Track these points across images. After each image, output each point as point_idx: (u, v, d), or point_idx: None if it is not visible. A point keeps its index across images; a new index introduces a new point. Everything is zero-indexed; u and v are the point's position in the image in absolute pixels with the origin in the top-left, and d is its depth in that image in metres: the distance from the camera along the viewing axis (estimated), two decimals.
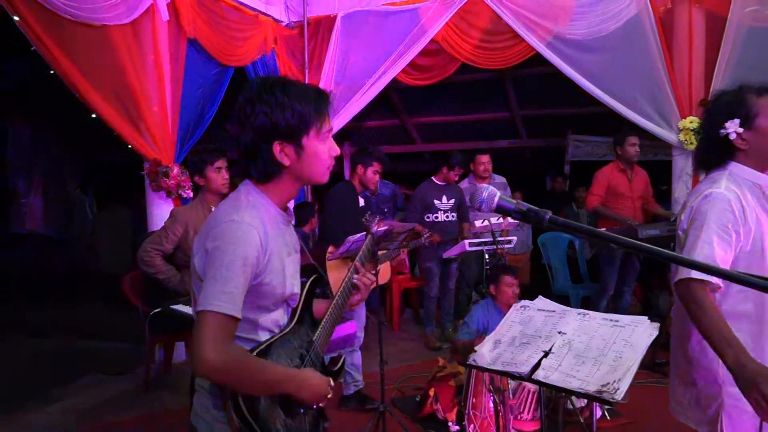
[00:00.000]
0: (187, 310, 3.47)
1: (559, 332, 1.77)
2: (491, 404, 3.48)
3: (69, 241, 10.51)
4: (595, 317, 1.78)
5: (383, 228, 3.24)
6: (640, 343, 1.61)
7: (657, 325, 1.66)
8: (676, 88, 5.30)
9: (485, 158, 5.83)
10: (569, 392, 1.58)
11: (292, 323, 1.64)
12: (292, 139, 1.51)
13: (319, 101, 1.54)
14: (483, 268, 5.12)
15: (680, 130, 5.35)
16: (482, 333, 3.94)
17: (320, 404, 1.64)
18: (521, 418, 3.62)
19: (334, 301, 1.78)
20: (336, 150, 1.60)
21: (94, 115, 4.52)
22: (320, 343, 1.72)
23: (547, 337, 1.77)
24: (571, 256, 6.56)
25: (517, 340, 1.83)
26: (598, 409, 3.66)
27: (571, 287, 6.18)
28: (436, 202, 5.56)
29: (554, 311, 1.88)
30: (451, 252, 5.11)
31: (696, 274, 1.71)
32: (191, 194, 5.03)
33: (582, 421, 3.60)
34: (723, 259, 1.76)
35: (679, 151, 5.49)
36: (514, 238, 5.03)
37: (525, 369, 1.68)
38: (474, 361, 1.84)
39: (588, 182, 5.59)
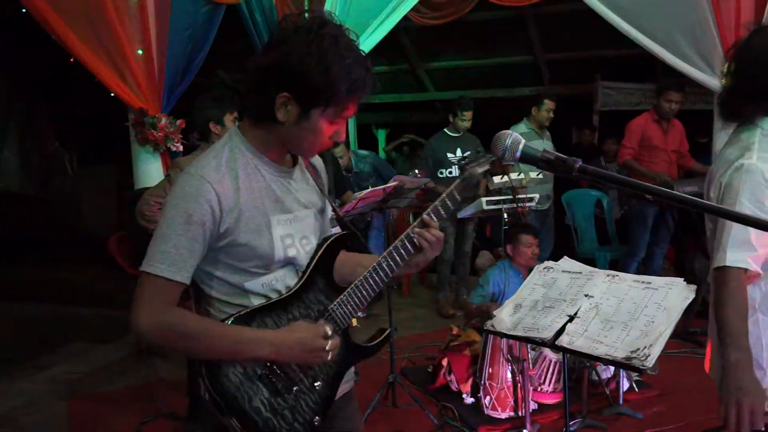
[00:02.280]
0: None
1: (586, 295, 1.78)
2: (509, 374, 3.53)
3: (48, 200, 10.57)
4: (626, 279, 1.79)
5: (393, 183, 3.24)
6: (675, 306, 1.63)
7: (693, 287, 1.67)
8: (722, 28, 5.17)
9: (551, 104, 5.70)
10: (595, 358, 1.60)
11: (296, 287, 1.55)
12: (303, 102, 1.41)
13: (360, 84, 1.42)
14: (501, 228, 5.13)
15: (724, 75, 5.26)
16: (498, 298, 3.98)
17: (323, 361, 1.51)
18: (541, 389, 3.68)
19: (375, 263, 1.60)
20: (341, 136, 1.53)
21: (72, 59, 4.49)
22: (341, 313, 1.59)
23: (572, 301, 1.79)
24: (599, 215, 6.55)
25: (540, 303, 1.85)
26: (625, 380, 3.71)
27: (597, 249, 6.20)
28: (450, 155, 5.54)
29: (581, 273, 1.89)
30: (467, 212, 5.11)
31: (734, 262, 1.66)
32: (181, 148, 5.03)
33: (608, 393, 3.66)
34: (759, 241, 1.69)
35: None
36: (537, 195, 5.02)
37: (548, 334, 1.70)
38: (492, 326, 1.86)
39: (619, 134, 5.54)
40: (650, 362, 1.50)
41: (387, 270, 1.60)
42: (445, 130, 5.65)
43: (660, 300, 1.67)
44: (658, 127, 5.31)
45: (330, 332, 1.51)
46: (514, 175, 4.84)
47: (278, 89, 1.40)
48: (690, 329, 4.74)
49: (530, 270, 3.94)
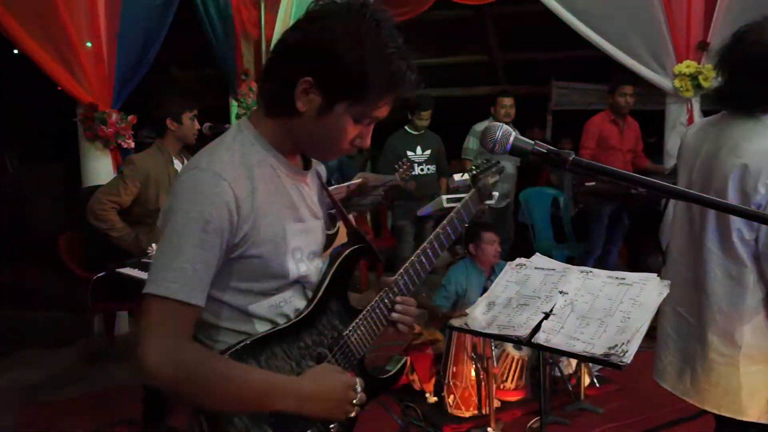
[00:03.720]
0: (136, 273, 3.39)
1: (561, 292, 1.77)
2: (473, 373, 3.53)
3: None
4: (600, 275, 1.80)
5: (357, 181, 3.20)
6: (650, 302, 1.63)
7: (668, 282, 1.68)
8: (674, 29, 5.31)
9: (508, 101, 5.72)
10: (574, 356, 1.59)
11: (307, 311, 1.35)
12: (328, 91, 1.21)
13: (398, 80, 1.23)
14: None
15: (675, 76, 5.39)
16: (461, 296, 3.97)
17: (348, 415, 1.34)
18: (504, 387, 3.69)
19: (395, 280, 1.45)
20: (366, 142, 1.31)
21: (16, 51, 4.31)
22: (356, 340, 1.41)
23: (547, 298, 1.78)
24: (555, 214, 6.64)
25: (514, 301, 1.83)
26: (586, 376, 3.75)
27: (554, 247, 6.27)
28: (410, 153, 5.52)
29: (554, 269, 1.88)
30: (426, 209, 5.09)
31: None
32: (132, 144, 4.88)
33: (569, 388, 3.70)
34: None
35: (673, 99, 5.55)
36: (497, 193, 5.03)
37: (524, 332, 1.69)
38: (466, 324, 1.84)
39: (572, 133, 5.62)
40: (628, 358, 1.50)
41: (403, 288, 1.48)
42: (406, 127, 5.63)
43: (635, 296, 1.67)
44: (615, 127, 5.41)
45: (359, 387, 1.34)
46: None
47: (302, 73, 1.20)
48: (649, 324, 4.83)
49: (492, 268, 4.01)
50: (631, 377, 3.97)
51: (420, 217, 5.44)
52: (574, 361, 3.71)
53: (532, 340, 1.67)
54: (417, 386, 3.84)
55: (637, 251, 6.41)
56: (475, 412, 3.53)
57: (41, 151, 9.38)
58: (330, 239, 1.50)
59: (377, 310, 1.45)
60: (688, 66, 5.32)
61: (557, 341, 1.63)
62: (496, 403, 3.51)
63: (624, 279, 1.74)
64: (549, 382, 3.58)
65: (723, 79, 1.93)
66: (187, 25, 5.29)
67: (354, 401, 1.32)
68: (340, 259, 1.42)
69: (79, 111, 4.75)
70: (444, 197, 4.80)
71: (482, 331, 1.78)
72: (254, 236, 1.23)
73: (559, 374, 3.67)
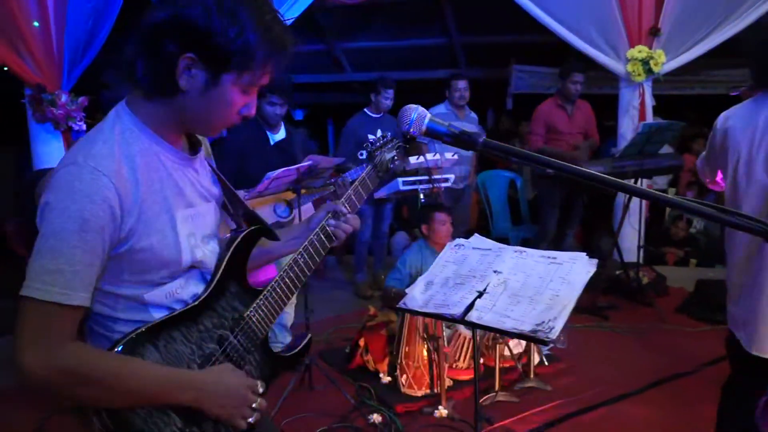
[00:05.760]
0: None
1: (495, 271, 1.83)
2: (425, 353, 3.59)
3: None
4: (532, 255, 1.85)
5: (307, 163, 3.20)
6: (578, 280, 1.69)
7: (595, 261, 1.74)
8: (626, 15, 5.41)
9: (462, 84, 5.70)
10: (503, 332, 1.64)
11: (204, 295, 1.35)
12: (211, 65, 1.18)
13: (278, 48, 1.22)
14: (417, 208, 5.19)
15: (628, 61, 5.50)
16: (415, 277, 4.02)
17: (246, 419, 1.32)
18: (456, 366, 3.76)
19: (290, 260, 1.46)
20: (251, 111, 1.30)
21: None
22: (258, 319, 1.41)
23: (481, 277, 1.83)
24: (513, 196, 6.74)
25: (451, 280, 1.88)
26: (536, 355, 3.85)
27: (511, 229, 6.39)
28: (370, 136, 5.52)
29: (490, 249, 1.93)
30: (382, 192, 5.13)
31: None
32: (84, 126, 4.80)
33: (519, 367, 3.79)
34: None
35: (626, 83, 5.67)
36: (452, 175, 5.10)
37: (457, 310, 1.74)
38: (405, 304, 1.88)
39: (531, 116, 5.69)
40: (554, 334, 1.55)
41: (303, 266, 1.48)
42: (366, 110, 5.62)
43: (564, 274, 1.73)
44: (563, 112, 5.48)
45: (262, 390, 1.35)
46: (429, 156, 4.89)
47: (180, 49, 1.16)
48: (598, 304, 4.97)
49: None
50: (581, 355, 4.11)
51: (378, 199, 5.47)
52: (524, 342, 3.80)
53: (465, 318, 1.72)
54: (371, 367, 3.89)
55: (590, 234, 6.56)
56: (428, 391, 3.59)
57: None
58: (282, 225, 1.51)
59: (278, 290, 1.45)
60: (640, 51, 5.43)
61: (489, 319, 1.68)
62: (448, 382, 3.58)
63: (555, 258, 1.80)
64: (500, 360, 3.66)
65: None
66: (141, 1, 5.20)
67: (254, 405, 1.32)
68: (237, 241, 1.42)
69: (26, 92, 4.65)
70: (400, 180, 4.86)
71: (419, 310, 1.82)
72: (141, 229, 1.21)
73: (508, 353, 3.75)
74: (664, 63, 5.47)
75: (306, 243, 1.50)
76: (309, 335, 1.63)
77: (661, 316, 4.83)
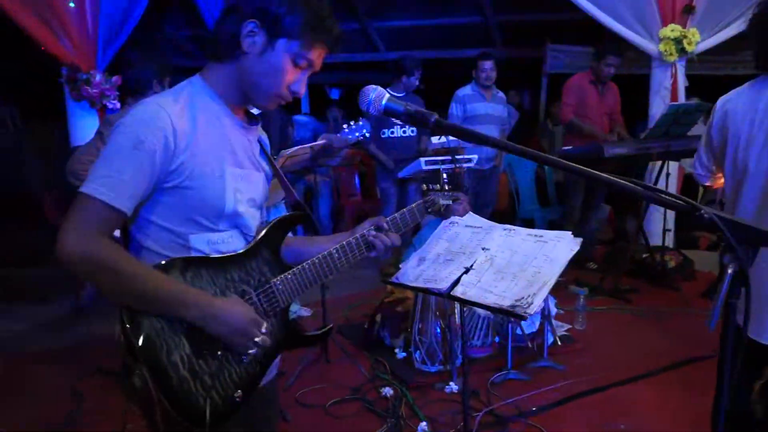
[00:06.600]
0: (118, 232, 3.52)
1: (483, 248, 1.87)
2: (438, 330, 3.66)
3: None
4: (521, 233, 1.89)
5: (321, 142, 3.27)
6: (560, 257, 1.73)
7: (579, 240, 1.77)
8: None
9: (488, 64, 5.71)
10: (484, 306, 1.70)
11: (240, 251, 1.50)
12: (269, 30, 1.41)
13: (322, 25, 1.43)
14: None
15: (660, 40, 5.40)
16: None
17: (247, 350, 1.43)
18: (471, 344, 3.82)
19: (323, 255, 1.59)
20: (300, 90, 1.49)
21: None
22: (282, 289, 1.53)
23: (470, 254, 1.88)
24: (541, 177, 6.71)
25: (442, 257, 1.94)
26: (549, 335, 3.88)
27: (537, 210, 6.37)
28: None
29: (481, 227, 1.98)
30: (406, 170, 5.18)
31: None
32: (118, 105, 4.96)
33: (532, 347, 3.83)
34: None
35: (658, 63, 5.57)
36: (475, 156, 5.12)
37: (444, 285, 1.79)
38: (397, 278, 1.95)
39: None
40: (532, 309, 1.60)
41: (336, 261, 1.61)
42: (388, 89, 5.65)
43: (548, 252, 1.77)
44: (594, 89, 5.44)
45: (265, 329, 1.45)
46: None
47: (247, 17, 1.41)
48: (620, 287, 4.95)
49: None
50: (597, 337, 4.12)
51: (402, 179, 5.53)
52: (537, 322, 3.83)
53: (451, 293, 1.78)
54: (387, 342, 3.98)
55: (618, 215, 6.51)
56: (441, 367, 3.67)
57: (40, 109, 9.44)
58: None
59: (308, 272, 1.58)
60: (672, 30, 5.32)
61: (472, 294, 1.74)
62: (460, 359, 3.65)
63: (541, 236, 1.84)
64: (513, 340, 3.70)
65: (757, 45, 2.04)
66: None
67: (256, 339, 1.42)
68: (279, 218, 1.59)
69: (63, 72, 4.82)
70: (422, 159, 4.91)
71: (409, 284, 1.89)
72: (191, 168, 1.38)
73: (521, 333, 3.79)
74: (698, 42, 5.35)
75: (344, 242, 1.64)
76: (331, 325, 1.75)
77: (685, 300, 4.79)
